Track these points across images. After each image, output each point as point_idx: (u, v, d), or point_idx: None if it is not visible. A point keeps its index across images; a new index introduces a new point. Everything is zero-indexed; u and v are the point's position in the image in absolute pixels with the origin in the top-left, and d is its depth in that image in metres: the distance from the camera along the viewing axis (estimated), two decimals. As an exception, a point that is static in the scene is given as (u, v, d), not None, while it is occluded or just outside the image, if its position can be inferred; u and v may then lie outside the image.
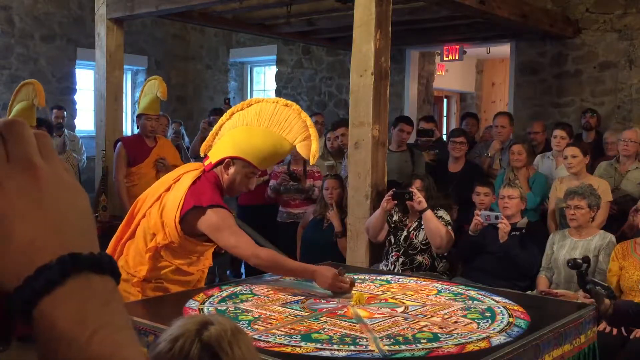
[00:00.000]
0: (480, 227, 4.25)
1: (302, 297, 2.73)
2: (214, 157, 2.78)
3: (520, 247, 4.15)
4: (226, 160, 2.73)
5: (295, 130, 2.75)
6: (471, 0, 5.04)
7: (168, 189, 2.79)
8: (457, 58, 8.66)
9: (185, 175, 2.79)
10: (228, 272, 6.60)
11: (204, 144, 2.92)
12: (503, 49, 8.14)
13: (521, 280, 4.13)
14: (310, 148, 2.74)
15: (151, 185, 3.00)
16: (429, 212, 4.13)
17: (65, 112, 7.49)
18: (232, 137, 2.77)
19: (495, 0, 5.36)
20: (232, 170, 2.73)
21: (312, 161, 2.80)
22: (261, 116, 2.76)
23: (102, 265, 0.54)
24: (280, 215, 5.88)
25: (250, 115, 2.79)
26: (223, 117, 2.90)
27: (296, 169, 5.73)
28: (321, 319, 2.43)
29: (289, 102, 2.82)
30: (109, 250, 2.89)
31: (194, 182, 2.73)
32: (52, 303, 0.51)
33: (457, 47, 8.47)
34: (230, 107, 7.77)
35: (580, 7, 6.83)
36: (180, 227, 2.69)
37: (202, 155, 2.90)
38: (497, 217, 4.19)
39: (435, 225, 4.12)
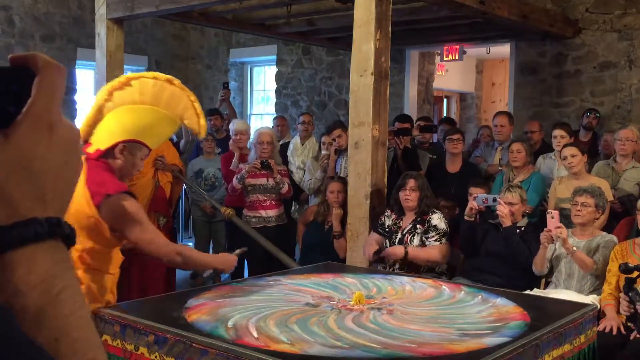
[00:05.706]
0: (475, 212, 4.25)
1: (303, 302, 2.73)
2: (101, 143, 2.51)
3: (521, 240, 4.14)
4: (119, 145, 2.50)
5: (181, 105, 2.58)
6: (471, 0, 5.04)
7: None
8: (457, 58, 8.66)
9: None
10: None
11: (83, 129, 2.54)
12: (503, 49, 8.14)
13: (521, 280, 4.12)
14: (199, 122, 2.60)
15: None
16: (411, 252, 4.12)
17: None
18: (119, 119, 2.51)
19: (495, 0, 5.36)
20: (126, 154, 2.53)
21: (202, 133, 2.64)
22: (144, 94, 2.52)
23: (70, 236, 0.62)
24: (246, 220, 5.35)
25: (132, 94, 2.53)
26: (99, 98, 2.54)
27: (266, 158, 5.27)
28: (320, 318, 2.43)
29: (169, 77, 2.59)
30: None
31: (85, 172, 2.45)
32: (33, 253, 0.58)
33: (457, 47, 8.47)
34: (229, 91, 7.80)
35: (580, 7, 6.83)
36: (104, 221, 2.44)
37: (81, 142, 2.60)
38: (494, 200, 4.12)
39: (426, 257, 4.14)
